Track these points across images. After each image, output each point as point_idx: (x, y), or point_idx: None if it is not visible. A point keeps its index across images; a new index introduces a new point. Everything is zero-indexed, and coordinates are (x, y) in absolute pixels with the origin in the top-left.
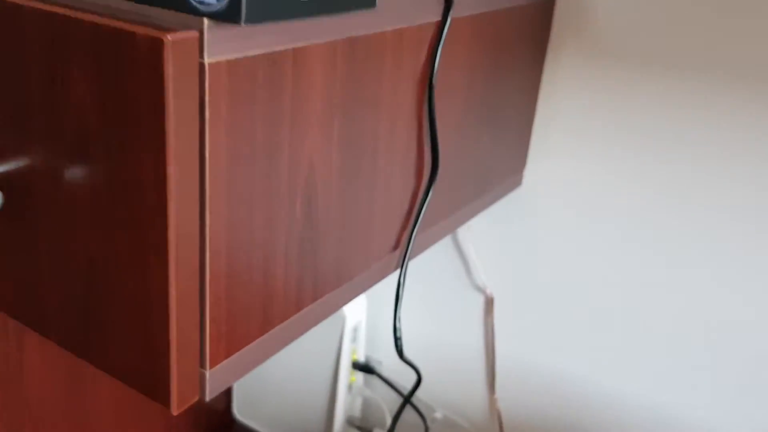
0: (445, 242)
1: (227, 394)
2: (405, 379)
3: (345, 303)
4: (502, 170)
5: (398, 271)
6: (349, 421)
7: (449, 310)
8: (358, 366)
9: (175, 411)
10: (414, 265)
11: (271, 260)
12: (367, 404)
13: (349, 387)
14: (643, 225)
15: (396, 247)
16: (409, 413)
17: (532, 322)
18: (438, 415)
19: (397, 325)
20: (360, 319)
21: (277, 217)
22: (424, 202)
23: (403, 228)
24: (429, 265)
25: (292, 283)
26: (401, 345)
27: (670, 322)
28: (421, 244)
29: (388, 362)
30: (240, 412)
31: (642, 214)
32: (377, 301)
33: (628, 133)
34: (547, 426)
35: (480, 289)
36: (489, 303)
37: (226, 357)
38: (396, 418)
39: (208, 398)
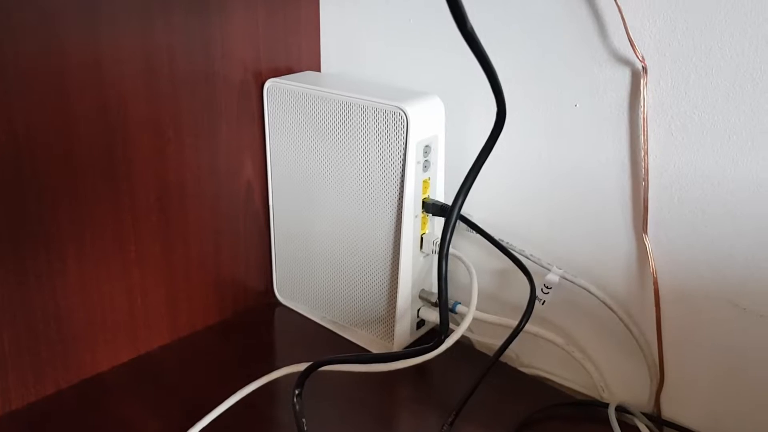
0: None
1: (268, 275)
2: (499, 231)
3: None
4: None
5: None
6: (423, 297)
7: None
8: (432, 208)
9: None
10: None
11: None
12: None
13: (420, 240)
14: None
15: None
16: (511, 277)
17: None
18: (553, 276)
19: None
20: (435, 134)
21: None
22: None
23: None
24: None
25: None
26: None
27: None
28: None
29: (478, 215)
30: (281, 293)
31: None
32: (458, 116)
33: None
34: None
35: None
36: (637, 77)
37: None
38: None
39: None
